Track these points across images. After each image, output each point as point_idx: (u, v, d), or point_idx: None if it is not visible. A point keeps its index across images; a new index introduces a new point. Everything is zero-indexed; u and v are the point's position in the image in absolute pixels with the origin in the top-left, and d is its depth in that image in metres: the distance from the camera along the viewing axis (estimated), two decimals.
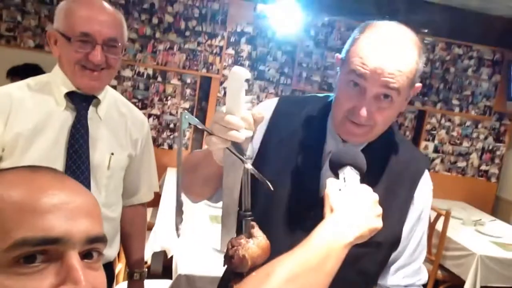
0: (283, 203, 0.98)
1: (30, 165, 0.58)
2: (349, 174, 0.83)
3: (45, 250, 0.49)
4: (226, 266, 0.82)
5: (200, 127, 0.78)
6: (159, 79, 3.32)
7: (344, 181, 0.82)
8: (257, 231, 0.82)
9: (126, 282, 2.07)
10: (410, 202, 1.00)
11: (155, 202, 3.01)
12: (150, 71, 3.31)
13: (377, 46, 0.86)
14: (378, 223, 0.78)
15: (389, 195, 0.95)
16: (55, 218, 0.50)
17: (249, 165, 0.77)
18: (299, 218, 0.97)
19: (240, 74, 0.74)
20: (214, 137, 0.76)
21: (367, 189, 0.80)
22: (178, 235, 0.80)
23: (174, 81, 3.34)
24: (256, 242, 0.79)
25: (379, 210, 0.79)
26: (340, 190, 0.81)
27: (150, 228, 2.35)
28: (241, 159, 0.77)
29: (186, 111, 0.88)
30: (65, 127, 1.19)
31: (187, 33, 3.31)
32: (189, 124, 0.78)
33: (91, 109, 1.23)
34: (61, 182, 0.54)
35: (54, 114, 1.19)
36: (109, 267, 1.38)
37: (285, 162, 0.99)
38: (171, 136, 3.42)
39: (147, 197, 1.48)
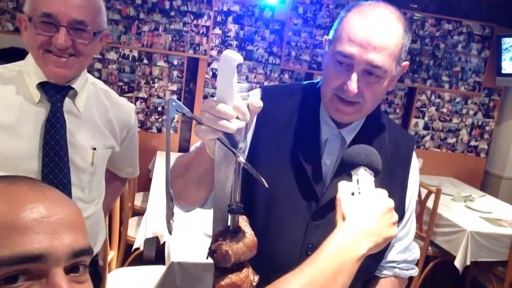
0: (285, 196, 0.95)
1: (6, 175, 0.53)
2: (363, 176, 0.78)
3: (25, 269, 0.46)
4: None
5: (189, 115, 0.72)
6: (145, 61, 3.24)
7: (358, 183, 0.77)
8: (245, 226, 0.79)
9: (120, 269, 2.06)
10: (407, 181, 1.03)
11: (146, 187, 2.99)
12: (136, 53, 3.22)
13: (363, 24, 0.87)
14: (394, 232, 0.73)
15: (388, 176, 0.96)
16: (35, 234, 0.47)
17: (241, 158, 0.72)
18: (303, 211, 0.95)
19: (231, 58, 0.67)
20: (203, 127, 0.70)
21: (382, 193, 0.76)
22: (170, 232, 0.77)
23: (161, 63, 3.27)
24: (241, 238, 0.76)
25: (395, 217, 0.75)
26: (353, 194, 0.76)
27: (142, 213, 2.33)
28: (232, 151, 0.72)
29: (173, 97, 0.80)
30: (39, 122, 1.09)
31: (172, 13, 3.21)
32: (177, 111, 0.73)
33: (68, 101, 1.13)
34: (40, 194, 0.50)
35: (27, 108, 1.08)
36: (94, 263, 1.34)
37: (281, 155, 0.96)
38: (159, 120, 3.36)
39: (129, 175, 1.47)
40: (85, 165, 1.16)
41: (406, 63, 0.96)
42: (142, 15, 3.17)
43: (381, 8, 0.89)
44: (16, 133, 1.07)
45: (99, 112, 1.20)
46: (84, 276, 0.52)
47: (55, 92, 1.10)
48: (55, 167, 1.09)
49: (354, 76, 0.87)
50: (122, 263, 2.36)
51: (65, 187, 1.10)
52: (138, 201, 2.96)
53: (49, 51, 1.05)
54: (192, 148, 0.94)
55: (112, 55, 3.18)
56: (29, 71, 1.09)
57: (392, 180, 1.00)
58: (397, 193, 1.00)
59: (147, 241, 2.28)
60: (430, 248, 2.90)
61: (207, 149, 0.78)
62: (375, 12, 0.89)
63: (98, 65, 3.17)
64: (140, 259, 2.43)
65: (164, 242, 2.02)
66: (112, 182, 1.43)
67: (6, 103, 1.07)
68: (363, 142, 0.87)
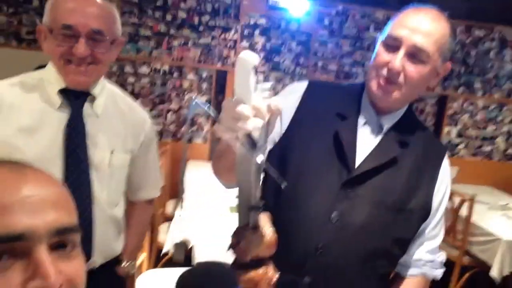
0: (318, 164, 1.00)
1: None
2: None
3: (9, 248, 0.48)
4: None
5: (209, 113, 0.76)
6: (176, 74, 3.36)
7: None
8: (265, 224, 0.80)
9: (150, 270, 2.12)
10: (436, 178, 1.07)
11: (176, 194, 3.07)
12: (166, 67, 3.35)
13: (416, 14, 0.97)
14: None
15: (416, 173, 1.03)
16: (16, 214, 0.48)
17: (259, 158, 0.72)
18: (334, 179, 0.99)
19: (246, 60, 0.69)
20: (222, 126, 0.72)
21: None
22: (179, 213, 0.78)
23: (190, 76, 3.38)
24: (260, 236, 0.77)
25: None
26: None
27: (170, 219, 2.39)
28: (250, 151, 0.72)
29: (196, 96, 0.82)
30: (60, 126, 1.14)
31: (201, 28, 3.33)
32: (199, 108, 0.75)
33: (87, 105, 1.18)
34: (22, 175, 0.52)
35: (49, 113, 1.14)
36: (115, 262, 1.36)
37: (319, 128, 1.01)
38: (190, 130, 3.46)
39: (153, 194, 1.45)
40: (103, 167, 1.21)
41: (449, 63, 1.02)
42: (172, 31, 3.30)
43: (434, 9, 0.99)
44: (39, 137, 1.13)
45: (116, 116, 1.25)
46: (73, 252, 0.53)
47: (75, 98, 1.16)
48: (75, 169, 1.15)
49: (400, 54, 0.94)
50: (153, 266, 2.42)
51: (85, 187, 1.17)
52: (170, 207, 3.04)
53: (70, 61, 1.10)
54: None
55: (144, 70, 3.32)
56: (50, 78, 1.16)
57: (420, 178, 1.04)
58: (424, 190, 1.04)
59: (176, 246, 2.33)
60: (465, 257, 2.80)
61: (231, 146, 0.79)
62: (427, 9, 0.98)
63: (131, 79, 3.32)
64: (170, 263, 2.48)
65: (192, 247, 2.07)
66: (139, 212, 1.44)
67: (29, 108, 1.13)
68: (400, 133, 0.98)
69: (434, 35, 0.95)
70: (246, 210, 0.80)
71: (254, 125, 0.70)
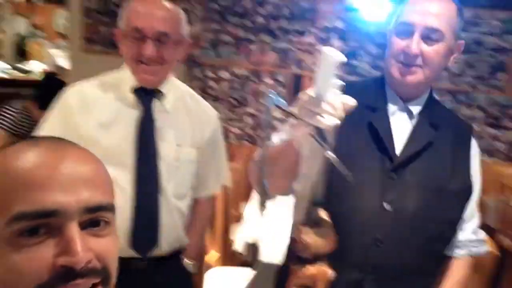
0: (362, 157, 1.04)
1: (34, 137, 0.58)
2: None
3: (44, 223, 0.50)
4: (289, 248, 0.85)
5: (285, 109, 0.77)
6: (254, 78, 3.47)
7: None
8: (326, 220, 0.82)
9: (218, 268, 2.24)
10: (469, 156, 1.11)
11: (247, 196, 3.17)
12: (245, 72, 3.47)
13: (422, 0, 1.03)
14: None
15: (452, 148, 1.07)
16: (51, 191, 0.51)
17: (330, 153, 0.74)
18: (378, 169, 1.02)
19: (332, 57, 0.69)
20: (298, 121, 0.76)
21: None
22: (262, 213, 0.84)
23: (268, 80, 3.46)
24: (322, 231, 0.80)
25: None
26: None
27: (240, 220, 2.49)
28: (323, 146, 0.74)
29: (272, 91, 0.87)
30: (133, 121, 1.26)
31: (278, 33, 3.40)
32: (276, 105, 0.77)
33: (157, 102, 1.29)
34: (61, 153, 0.54)
35: (123, 109, 1.27)
36: (178, 256, 1.44)
37: (355, 128, 1.05)
38: (267, 129, 3.54)
39: (213, 190, 1.51)
40: (171, 160, 1.30)
41: (462, 41, 1.08)
42: (250, 36, 3.41)
43: None
44: (115, 131, 1.26)
45: (184, 112, 1.35)
46: (105, 231, 0.55)
47: (146, 95, 1.28)
48: (145, 160, 1.26)
49: (415, 38, 0.99)
50: (223, 264, 2.53)
51: (154, 178, 1.27)
52: (243, 208, 3.15)
53: (140, 61, 1.22)
54: (275, 140, 1.02)
55: (224, 74, 3.47)
56: (124, 78, 1.29)
57: (456, 157, 1.07)
58: (462, 169, 1.08)
59: (246, 245, 2.42)
60: None
61: (294, 143, 0.83)
62: None
63: (211, 83, 3.49)
64: (240, 262, 2.58)
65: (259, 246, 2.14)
66: (201, 208, 1.50)
67: (106, 105, 1.27)
68: (430, 116, 1.03)
69: (445, 15, 1.01)
70: (306, 206, 0.82)
71: (330, 121, 0.73)
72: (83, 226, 0.53)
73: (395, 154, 1.03)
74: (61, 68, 4.55)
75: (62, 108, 1.27)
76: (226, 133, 3.34)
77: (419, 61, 1.01)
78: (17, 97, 3.05)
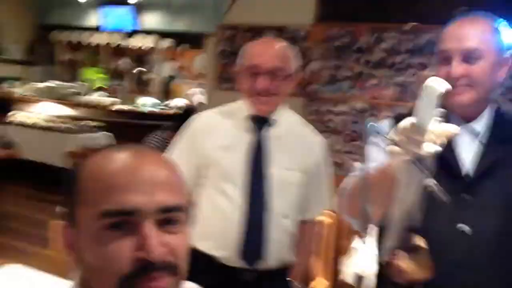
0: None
1: (115, 145, 0.68)
2: None
3: (125, 220, 0.57)
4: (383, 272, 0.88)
5: (386, 137, 0.80)
6: (371, 112, 3.50)
7: None
8: (422, 247, 0.83)
9: None
10: None
11: None
12: (362, 106, 3.53)
13: (456, 25, 1.08)
14: None
15: None
16: (130, 193, 0.57)
17: (431, 180, 0.76)
18: (455, 198, 0.97)
19: (433, 88, 0.73)
20: (398, 148, 0.77)
21: None
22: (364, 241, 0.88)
23: (385, 113, 3.46)
24: (418, 258, 0.81)
25: None
26: None
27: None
28: (424, 173, 0.76)
29: (370, 120, 0.90)
30: (247, 145, 1.43)
31: (398, 67, 3.41)
32: (376, 133, 0.81)
33: (268, 129, 1.45)
34: (141, 159, 0.61)
35: (240, 135, 1.45)
36: (285, 272, 1.54)
37: None
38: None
39: (316, 213, 1.60)
40: (279, 181, 1.44)
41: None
42: (368, 71, 3.48)
43: (466, 17, 1.09)
44: (232, 153, 1.44)
45: (293, 139, 1.49)
46: (177, 228, 0.60)
47: (259, 123, 1.45)
48: (255, 180, 1.42)
49: (455, 62, 1.02)
50: None
51: (262, 197, 1.42)
52: (355, 240, 3.13)
53: (254, 93, 1.40)
54: (371, 167, 1.08)
55: (342, 107, 3.58)
56: (241, 108, 1.48)
57: None
58: None
59: (355, 276, 2.42)
60: None
61: (393, 169, 0.85)
62: (465, 18, 1.09)
63: (328, 117, 3.62)
64: None
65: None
66: (305, 231, 1.58)
67: (225, 130, 1.47)
68: (497, 132, 1.02)
69: (477, 35, 1.03)
70: (402, 231, 0.85)
71: (431, 149, 0.75)
72: (159, 224, 0.58)
73: (465, 174, 1.01)
74: (199, 103, 5.17)
75: (190, 132, 1.52)
76: (343, 165, 3.41)
77: (463, 81, 1.02)
78: (161, 128, 3.58)
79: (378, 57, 3.45)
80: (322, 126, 3.54)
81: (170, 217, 0.60)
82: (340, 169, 3.17)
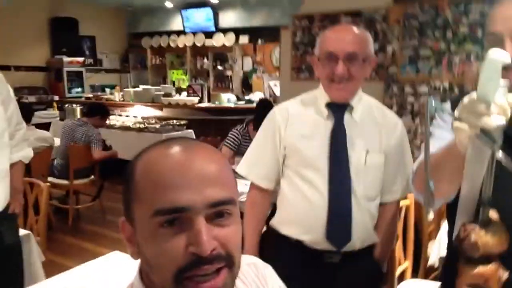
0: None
1: (167, 139, 0.67)
2: None
3: (178, 217, 0.59)
4: (453, 247, 0.86)
5: (448, 113, 0.80)
6: (456, 90, 3.27)
7: None
8: (496, 220, 0.80)
9: (411, 280, 2.21)
10: None
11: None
12: (446, 84, 3.31)
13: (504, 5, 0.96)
14: None
15: None
16: (181, 191, 0.59)
17: (500, 153, 0.73)
18: None
19: (496, 59, 0.70)
20: (462, 124, 0.75)
21: None
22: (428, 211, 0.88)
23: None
24: (492, 231, 0.77)
25: None
26: None
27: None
28: (492, 146, 0.73)
29: (432, 96, 0.85)
30: (327, 131, 1.45)
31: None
32: (440, 110, 0.80)
33: (347, 115, 1.46)
34: (190, 156, 0.62)
35: (319, 122, 1.47)
36: (369, 253, 1.55)
37: None
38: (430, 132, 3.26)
39: (398, 195, 1.56)
40: (359, 164, 1.45)
41: None
42: (452, 47, 3.25)
43: None
44: (312, 140, 1.46)
45: (371, 122, 1.48)
46: (228, 221, 0.62)
47: (338, 109, 1.46)
48: (337, 164, 1.43)
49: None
50: (418, 277, 2.46)
51: (345, 181, 1.43)
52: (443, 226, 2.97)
53: (332, 80, 1.41)
54: (437, 144, 1.04)
55: (423, 88, 3.40)
56: (320, 95, 1.50)
57: None
58: None
59: (440, 260, 2.31)
60: None
61: (458, 146, 0.82)
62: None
63: (410, 99, 3.46)
64: (434, 276, 2.46)
65: None
66: (386, 213, 1.57)
67: (306, 119, 1.50)
68: None
69: None
70: (472, 207, 0.81)
71: (497, 122, 0.71)
72: (210, 218, 0.60)
73: None
74: (275, 95, 5.23)
75: (270, 124, 1.56)
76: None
77: None
78: (241, 122, 3.70)
79: (463, 32, 3.21)
80: (403, 109, 3.39)
81: (220, 210, 0.61)
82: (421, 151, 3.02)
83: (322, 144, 1.45)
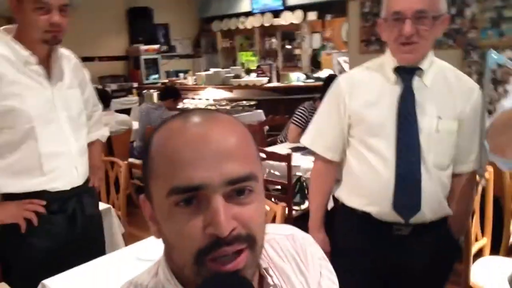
0: None
1: (185, 110, 0.63)
2: None
3: (194, 195, 0.55)
4: None
5: (508, 66, 0.77)
6: None
7: None
8: None
9: (489, 257, 2.07)
10: None
11: None
12: None
13: None
14: None
15: None
16: (196, 168, 0.55)
17: None
18: None
19: None
20: None
21: None
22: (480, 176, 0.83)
23: None
24: None
25: None
26: None
27: None
28: None
29: (492, 49, 0.82)
30: (395, 97, 1.39)
31: None
32: (498, 64, 0.76)
33: (417, 79, 1.38)
34: (207, 130, 0.58)
35: (386, 88, 1.41)
36: (443, 226, 1.48)
37: None
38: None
39: (474, 165, 1.46)
40: (430, 131, 1.37)
41: None
42: None
43: None
44: (379, 107, 1.41)
45: (444, 87, 1.39)
46: (249, 199, 0.58)
47: (406, 73, 1.39)
48: (406, 131, 1.37)
49: None
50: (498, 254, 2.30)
51: (414, 148, 1.36)
52: None
53: (400, 42, 1.33)
54: (507, 104, 0.96)
55: (509, 54, 3.09)
56: (387, 60, 1.43)
57: None
58: None
59: None
60: None
61: None
62: None
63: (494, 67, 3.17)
64: None
65: None
66: (459, 181, 1.48)
67: (372, 85, 1.44)
68: None
69: None
70: None
71: None
72: (229, 196, 0.56)
73: None
74: (344, 71, 5.08)
75: (335, 93, 1.51)
76: None
77: None
78: (310, 100, 3.66)
79: None
80: (481, 76, 3.13)
81: (240, 187, 0.57)
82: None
83: (389, 110, 1.39)
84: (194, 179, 0.55)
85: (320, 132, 1.57)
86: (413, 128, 1.36)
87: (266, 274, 0.68)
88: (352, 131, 1.49)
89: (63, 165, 1.59)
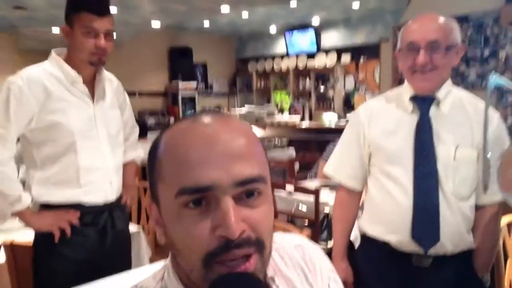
0: None
1: (191, 115, 0.62)
2: None
3: (203, 196, 0.55)
4: None
5: (510, 88, 0.77)
6: None
7: None
8: None
9: None
10: None
11: None
12: None
13: None
14: None
15: None
16: (205, 169, 0.54)
17: None
18: None
19: None
20: None
21: None
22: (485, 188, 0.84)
23: None
24: None
25: None
26: None
27: None
28: None
29: (494, 71, 0.82)
30: (412, 126, 1.41)
31: None
32: (497, 86, 0.77)
33: (434, 107, 1.40)
34: (216, 131, 0.57)
35: (403, 117, 1.44)
36: (466, 259, 1.44)
37: None
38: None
39: (496, 196, 1.40)
40: (448, 160, 1.37)
41: None
42: None
43: None
44: (396, 136, 1.43)
45: (462, 116, 1.40)
46: (258, 201, 0.57)
47: (423, 102, 1.41)
48: (423, 160, 1.38)
49: None
50: None
51: (432, 177, 1.37)
52: None
53: (415, 71, 1.37)
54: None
55: None
56: (404, 90, 1.46)
57: None
58: None
59: None
60: None
61: None
62: None
63: None
64: None
65: None
66: (486, 217, 1.45)
67: (389, 115, 1.48)
68: None
69: None
70: None
71: None
72: (238, 198, 0.55)
73: None
74: None
75: (354, 122, 1.56)
76: None
77: None
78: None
79: None
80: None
81: (249, 189, 0.56)
82: None
83: (407, 139, 1.41)
84: (204, 179, 0.54)
85: (341, 161, 1.60)
86: (430, 157, 1.37)
87: (272, 283, 0.66)
88: (373, 160, 1.51)
89: (99, 179, 1.68)
